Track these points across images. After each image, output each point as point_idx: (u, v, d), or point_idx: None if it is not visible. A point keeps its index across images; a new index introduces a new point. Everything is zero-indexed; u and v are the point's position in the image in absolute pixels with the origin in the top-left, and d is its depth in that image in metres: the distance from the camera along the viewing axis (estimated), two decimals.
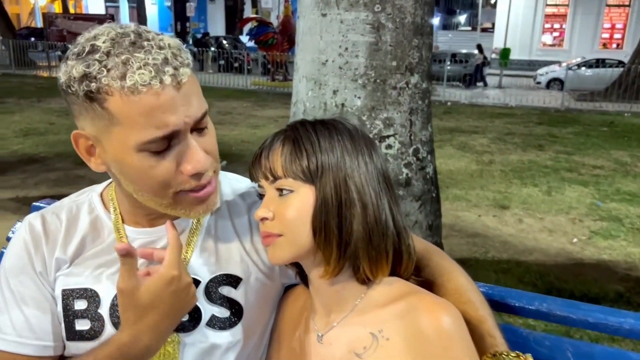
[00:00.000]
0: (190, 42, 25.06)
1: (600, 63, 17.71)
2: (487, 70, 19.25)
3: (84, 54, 0.77)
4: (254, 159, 0.89)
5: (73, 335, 0.91)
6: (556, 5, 25.70)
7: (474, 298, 0.89)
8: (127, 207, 0.93)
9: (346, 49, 2.31)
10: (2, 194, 5.29)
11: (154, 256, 0.87)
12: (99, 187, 1.01)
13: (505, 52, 20.47)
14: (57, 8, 33.86)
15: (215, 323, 0.93)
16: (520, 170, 6.89)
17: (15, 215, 4.64)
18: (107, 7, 37.39)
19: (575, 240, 4.56)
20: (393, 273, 0.89)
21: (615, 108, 13.13)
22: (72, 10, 34.74)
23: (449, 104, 13.61)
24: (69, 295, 0.91)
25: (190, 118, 0.79)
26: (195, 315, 0.92)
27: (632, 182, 6.44)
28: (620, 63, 16.86)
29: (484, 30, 33.39)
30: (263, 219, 0.85)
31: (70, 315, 0.91)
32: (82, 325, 0.91)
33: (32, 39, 22.68)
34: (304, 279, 0.95)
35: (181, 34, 30.51)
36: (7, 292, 0.92)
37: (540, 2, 25.48)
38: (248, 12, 31.31)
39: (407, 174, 2.44)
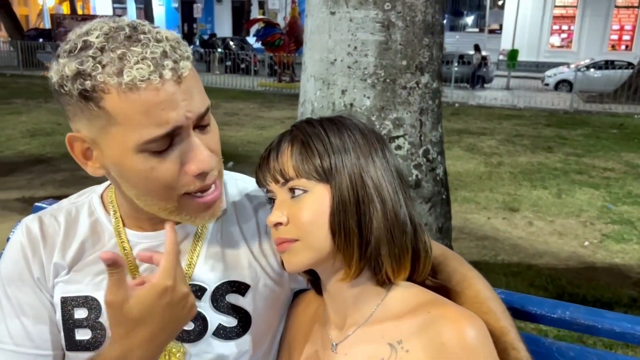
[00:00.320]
0: (197, 43, 25.12)
1: (609, 64, 17.58)
2: (494, 71, 19.14)
3: (76, 51, 0.72)
4: (261, 161, 0.83)
5: (73, 345, 0.87)
6: (564, 6, 25.55)
7: (495, 307, 0.84)
8: (127, 210, 0.88)
9: (355, 47, 2.26)
10: (8, 195, 5.28)
11: (154, 260, 0.80)
12: (99, 188, 0.96)
13: (513, 54, 20.36)
14: (65, 9, 34.08)
15: (222, 333, 0.88)
16: (530, 173, 6.82)
17: (21, 215, 4.60)
18: (114, 9, 37.59)
19: (586, 243, 4.49)
20: (410, 275, 0.84)
21: (625, 110, 13.02)
22: (80, 12, 34.93)
23: (456, 105, 13.53)
24: (68, 304, 0.87)
25: (192, 113, 0.74)
26: (201, 325, 0.87)
27: None
28: (629, 65, 16.73)
29: (491, 31, 33.31)
30: (276, 225, 0.80)
31: (70, 325, 0.87)
32: (82, 334, 0.87)
33: (40, 40, 22.83)
34: (316, 286, 0.90)
35: (188, 35, 30.65)
36: (4, 300, 0.87)
37: (548, 3, 25.33)
38: (255, 13, 31.35)
39: (417, 175, 2.39)
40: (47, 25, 34.25)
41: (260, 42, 17.18)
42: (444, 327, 0.74)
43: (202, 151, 0.76)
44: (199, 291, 0.88)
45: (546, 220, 5.05)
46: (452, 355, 0.72)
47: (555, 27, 25.93)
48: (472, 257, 4.01)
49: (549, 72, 19.05)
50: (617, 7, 24.84)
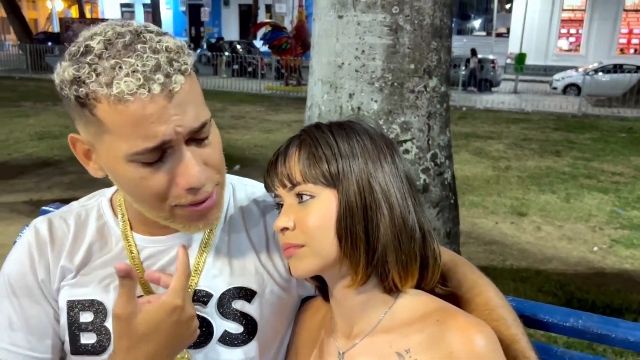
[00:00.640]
0: (205, 46, 25.21)
1: (617, 68, 17.48)
2: (501, 75, 19.08)
3: (78, 55, 0.72)
4: (269, 166, 0.83)
5: (78, 349, 0.86)
6: (572, 10, 25.43)
7: (505, 315, 0.83)
8: (134, 214, 0.88)
9: (363, 51, 2.25)
10: (16, 197, 5.31)
11: (161, 281, 0.81)
12: (109, 191, 0.96)
13: (520, 57, 20.28)
14: (73, 13, 34.33)
15: (228, 339, 0.87)
16: (538, 177, 6.78)
17: (28, 218, 4.64)
18: (122, 12, 37.84)
19: (595, 248, 4.45)
20: (418, 283, 0.83)
21: (634, 114, 12.92)
22: (88, 15, 35.17)
23: (464, 109, 13.49)
24: (74, 307, 0.86)
25: (183, 128, 0.73)
26: (206, 331, 0.86)
27: None
28: (638, 68, 16.63)
29: (499, 35, 33.23)
30: (283, 230, 0.79)
31: (75, 328, 0.86)
32: (87, 338, 0.86)
33: (49, 43, 22.96)
34: (323, 292, 0.89)
35: (195, 39, 30.76)
36: (7, 307, 0.87)
37: (556, 7, 25.23)
38: (262, 16, 31.41)
39: (424, 180, 2.38)
40: (56, 28, 34.48)
41: (267, 46, 17.21)
42: (453, 335, 0.73)
43: (193, 167, 0.75)
44: (205, 297, 0.87)
45: (555, 225, 5.01)
46: None
47: (564, 30, 25.81)
48: (480, 262, 3.98)
49: (557, 76, 18.96)
50: (625, 10, 24.70)
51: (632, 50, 24.90)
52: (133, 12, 38.51)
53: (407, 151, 2.34)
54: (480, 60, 18.29)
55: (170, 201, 0.77)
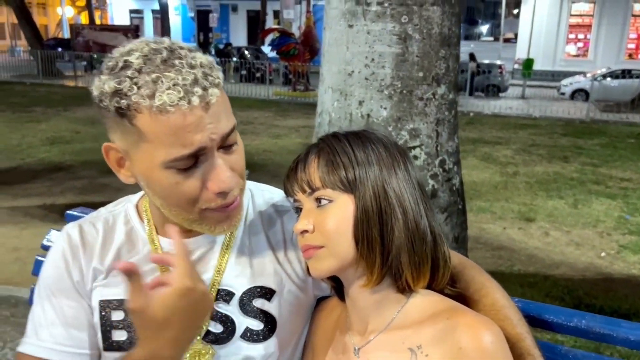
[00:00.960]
0: (213, 52, 25.35)
1: (626, 74, 17.39)
2: (509, 80, 19.04)
3: (117, 69, 0.77)
4: (289, 172, 0.88)
5: (110, 345, 0.92)
6: (580, 15, 25.36)
7: (511, 315, 0.87)
8: (159, 218, 0.93)
9: (372, 59, 2.30)
10: (29, 202, 5.39)
11: (164, 261, 0.83)
12: (134, 198, 1.02)
13: (528, 63, 20.25)
14: (83, 19, 34.64)
15: (250, 335, 0.92)
16: (546, 182, 6.79)
17: (42, 222, 4.72)
18: (131, 18, 38.11)
19: (603, 254, 4.46)
20: (429, 284, 0.87)
21: None
22: (98, 22, 35.48)
23: (471, 114, 13.50)
24: (106, 306, 0.92)
25: (216, 135, 0.79)
26: (229, 328, 0.91)
27: None
28: None
29: (506, 40, 33.15)
30: (303, 232, 0.84)
31: (107, 326, 0.92)
32: (119, 335, 0.92)
33: (60, 49, 23.21)
34: (339, 292, 0.94)
35: (204, 45, 30.93)
36: (48, 308, 0.93)
37: (564, 12, 25.18)
38: (270, 22, 31.58)
39: (433, 185, 2.42)
40: (66, 34, 34.82)
41: (275, 52, 17.30)
42: (462, 333, 0.77)
43: (224, 172, 0.81)
44: (227, 295, 0.93)
45: (562, 231, 5.02)
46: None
47: (571, 35, 25.73)
48: (488, 267, 4.00)
49: (564, 81, 18.88)
50: (634, 15, 24.60)
51: None
52: (142, 18, 38.78)
53: (415, 157, 2.38)
54: (479, 65, 18.21)
55: (201, 204, 0.83)
